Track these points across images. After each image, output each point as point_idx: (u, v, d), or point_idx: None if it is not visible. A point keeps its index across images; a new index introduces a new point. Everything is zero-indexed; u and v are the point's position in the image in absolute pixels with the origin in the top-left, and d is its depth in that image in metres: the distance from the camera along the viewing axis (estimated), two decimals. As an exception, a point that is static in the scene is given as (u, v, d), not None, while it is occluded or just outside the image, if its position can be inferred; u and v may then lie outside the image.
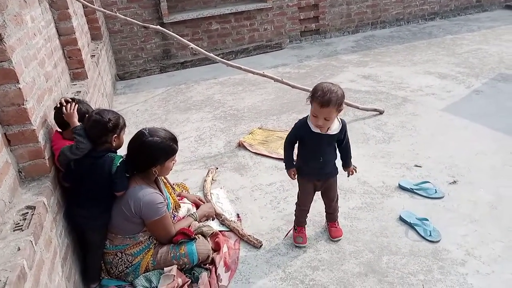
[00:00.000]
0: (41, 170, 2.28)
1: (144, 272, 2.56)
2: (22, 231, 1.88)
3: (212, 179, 3.69)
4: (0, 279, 1.59)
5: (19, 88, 2.10)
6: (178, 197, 3.07)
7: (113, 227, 2.55)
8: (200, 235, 2.77)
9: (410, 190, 3.26)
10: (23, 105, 2.13)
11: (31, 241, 1.83)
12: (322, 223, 3.02)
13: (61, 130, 2.59)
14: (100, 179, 2.43)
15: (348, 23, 8.17)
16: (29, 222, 1.93)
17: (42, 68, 2.74)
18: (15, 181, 2.19)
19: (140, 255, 2.58)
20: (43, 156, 2.25)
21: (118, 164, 2.43)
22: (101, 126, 2.42)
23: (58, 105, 2.61)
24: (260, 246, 2.85)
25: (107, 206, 2.52)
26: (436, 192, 3.20)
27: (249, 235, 2.93)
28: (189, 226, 2.78)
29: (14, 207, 2.06)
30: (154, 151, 2.46)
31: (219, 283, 2.53)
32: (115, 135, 2.48)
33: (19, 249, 1.77)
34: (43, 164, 2.27)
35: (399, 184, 3.34)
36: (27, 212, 2.01)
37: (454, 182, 3.33)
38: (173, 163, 2.61)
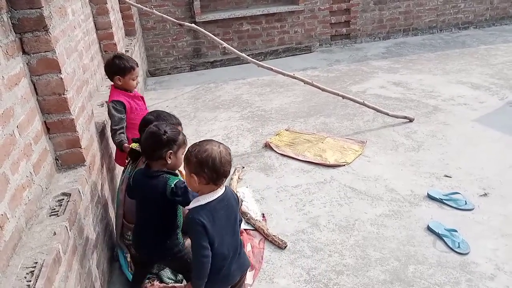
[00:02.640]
0: (77, 159, 2.34)
1: (169, 265, 2.59)
2: (58, 216, 1.94)
3: (239, 178, 3.72)
4: (37, 261, 1.65)
5: (61, 78, 2.17)
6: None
7: (130, 218, 2.57)
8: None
9: (439, 200, 3.20)
10: (63, 94, 2.19)
11: (66, 227, 1.88)
12: (348, 227, 3.00)
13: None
14: (153, 203, 2.16)
15: (379, 29, 8.08)
16: (65, 209, 1.99)
17: (80, 60, 2.82)
18: (52, 168, 2.25)
19: (164, 249, 2.60)
20: (79, 146, 2.31)
21: (173, 186, 2.08)
22: (156, 139, 2.15)
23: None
24: (285, 247, 2.85)
25: (168, 234, 2.21)
26: (466, 203, 3.14)
27: (274, 235, 2.93)
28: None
29: (51, 193, 2.12)
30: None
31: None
32: (170, 151, 2.15)
33: (54, 233, 1.82)
34: (79, 153, 2.33)
35: (428, 193, 3.28)
36: (63, 199, 2.07)
37: (485, 194, 3.26)
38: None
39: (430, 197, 3.26)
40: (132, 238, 2.37)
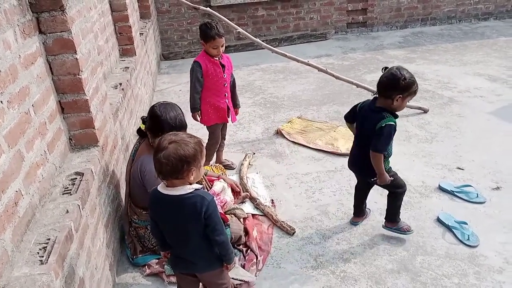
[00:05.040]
0: (90, 139, 2.36)
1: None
2: (71, 195, 1.97)
3: (249, 164, 3.73)
4: (50, 237, 1.68)
5: (76, 58, 2.18)
6: (216, 178, 3.12)
7: (136, 201, 2.62)
8: (233, 215, 2.84)
9: (451, 192, 3.18)
10: (78, 75, 2.21)
11: (79, 205, 1.91)
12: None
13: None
14: (368, 132, 2.46)
15: (397, 18, 7.95)
16: (77, 187, 2.02)
17: (96, 41, 2.83)
18: (65, 148, 2.28)
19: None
20: (93, 126, 2.33)
21: (383, 125, 2.36)
22: (394, 81, 2.32)
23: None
24: (293, 233, 2.87)
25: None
26: (477, 196, 3.11)
27: (282, 221, 2.95)
28: (223, 205, 2.86)
29: (64, 172, 2.15)
30: (150, 118, 2.48)
31: (256, 265, 2.58)
32: (400, 96, 2.33)
33: (67, 211, 1.85)
34: (92, 134, 2.35)
35: (439, 185, 3.26)
36: (76, 178, 2.10)
37: (498, 188, 3.23)
38: None
39: (442, 189, 3.24)
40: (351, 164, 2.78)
